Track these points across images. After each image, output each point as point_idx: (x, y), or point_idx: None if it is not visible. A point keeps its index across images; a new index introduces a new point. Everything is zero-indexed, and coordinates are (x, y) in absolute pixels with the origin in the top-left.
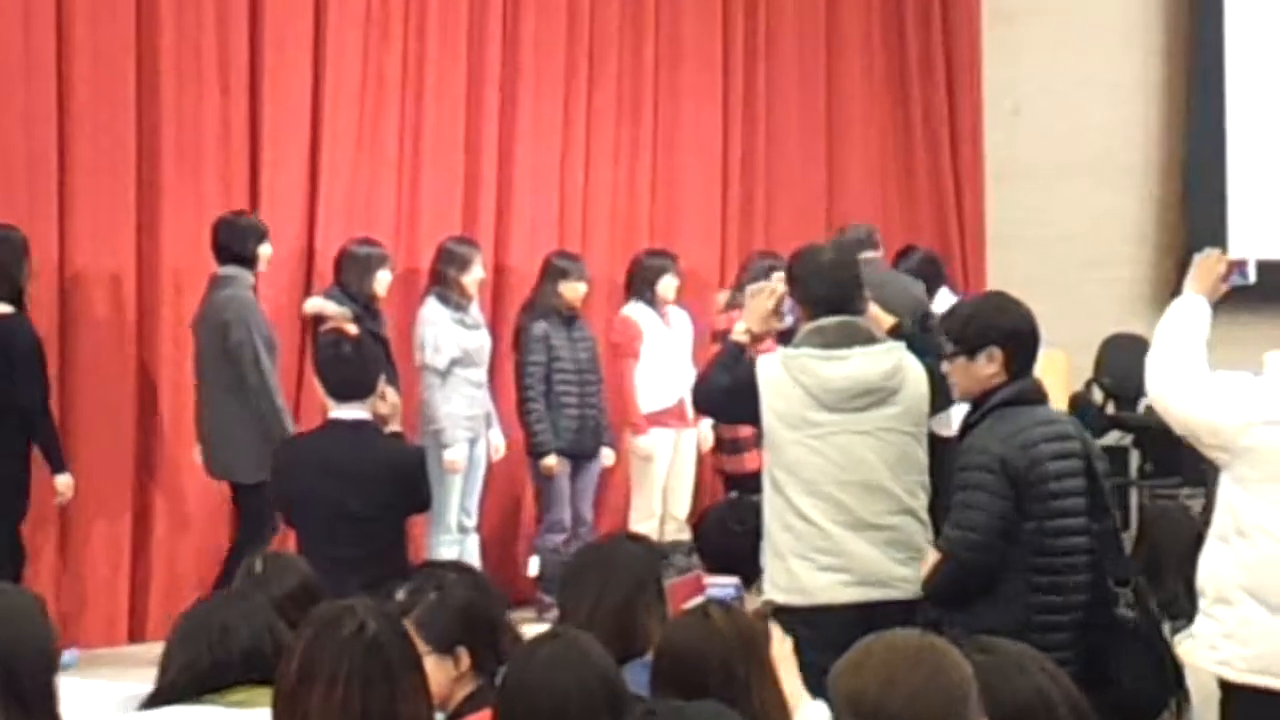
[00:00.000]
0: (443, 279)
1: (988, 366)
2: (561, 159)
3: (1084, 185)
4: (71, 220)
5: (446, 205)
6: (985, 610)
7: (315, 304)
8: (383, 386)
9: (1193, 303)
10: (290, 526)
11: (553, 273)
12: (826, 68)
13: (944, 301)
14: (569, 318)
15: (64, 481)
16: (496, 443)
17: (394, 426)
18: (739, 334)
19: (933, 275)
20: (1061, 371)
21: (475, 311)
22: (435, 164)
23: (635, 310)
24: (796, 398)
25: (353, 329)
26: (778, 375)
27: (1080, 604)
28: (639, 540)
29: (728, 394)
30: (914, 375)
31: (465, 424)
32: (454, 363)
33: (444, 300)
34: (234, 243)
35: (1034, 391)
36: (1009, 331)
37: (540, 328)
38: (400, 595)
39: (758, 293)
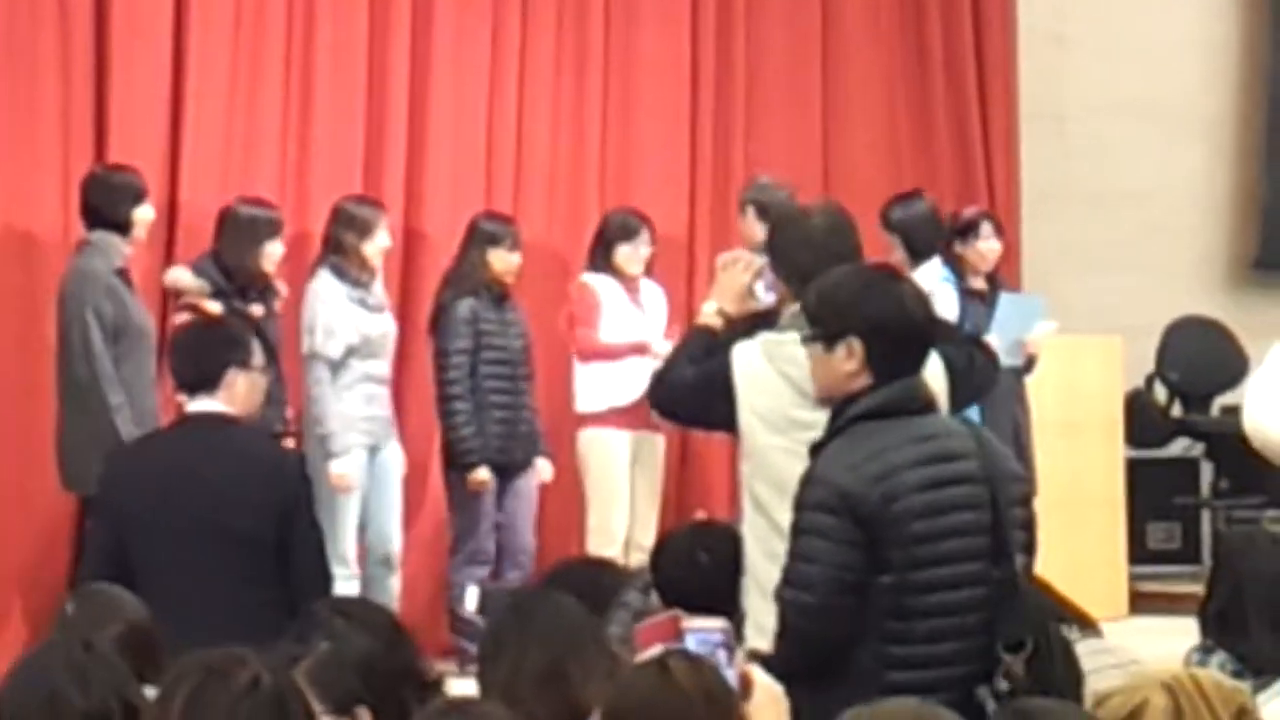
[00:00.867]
0: (338, 247)
1: (846, 362)
2: (489, 101)
3: (1145, 132)
4: None
5: (344, 155)
6: (835, 687)
7: (173, 275)
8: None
9: None
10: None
11: (479, 238)
12: None
13: (926, 277)
14: (499, 295)
15: None
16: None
17: None
18: (708, 316)
19: (925, 240)
20: (1117, 363)
21: (379, 289)
22: (330, 103)
23: (595, 279)
24: (779, 392)
25: (214, 307)
26: (758, 367)
27: (961, 679)
28: (596, 571)
29: (693, 391)
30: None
31: (362, 427)
32: (350, 351)
33: (339, 274)
34: (104, 205)
35: (910, 400)
36: (873, 321)
37: (466, 306)
38: (286, 644)
39: (730, 264)
